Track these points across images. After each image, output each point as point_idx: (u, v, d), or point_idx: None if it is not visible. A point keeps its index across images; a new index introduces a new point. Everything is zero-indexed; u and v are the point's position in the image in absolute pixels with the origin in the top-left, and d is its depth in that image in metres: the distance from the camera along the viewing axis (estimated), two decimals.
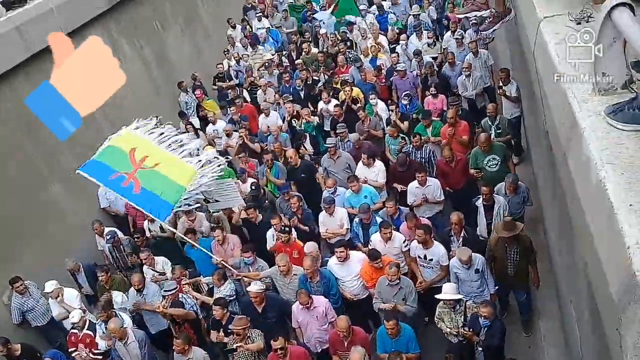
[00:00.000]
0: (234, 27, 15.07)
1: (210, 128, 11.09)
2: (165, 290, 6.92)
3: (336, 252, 6.66)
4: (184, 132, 7.41)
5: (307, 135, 10.19)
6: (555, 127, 3.47)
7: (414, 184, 7.71)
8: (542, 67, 3.78)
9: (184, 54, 14.22)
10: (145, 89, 12.47)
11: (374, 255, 6.46)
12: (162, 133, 6.02)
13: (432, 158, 8.49)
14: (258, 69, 13.04)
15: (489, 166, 7.69)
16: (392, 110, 9.71)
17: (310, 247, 6.98)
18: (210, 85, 13.64)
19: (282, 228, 7.23)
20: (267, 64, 12.81)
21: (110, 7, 11.41)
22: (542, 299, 6.89)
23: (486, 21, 5.49)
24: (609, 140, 2.51)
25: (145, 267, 7.75)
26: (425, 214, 7.54)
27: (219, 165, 6.54)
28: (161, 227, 8.25)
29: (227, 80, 13.37)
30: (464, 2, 12.28)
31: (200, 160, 6.22)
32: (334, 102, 10.34)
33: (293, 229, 7.61)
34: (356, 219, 7.42)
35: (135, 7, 12.62)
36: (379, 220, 7.27)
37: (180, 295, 6.96)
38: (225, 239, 7.68)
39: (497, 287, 6.46)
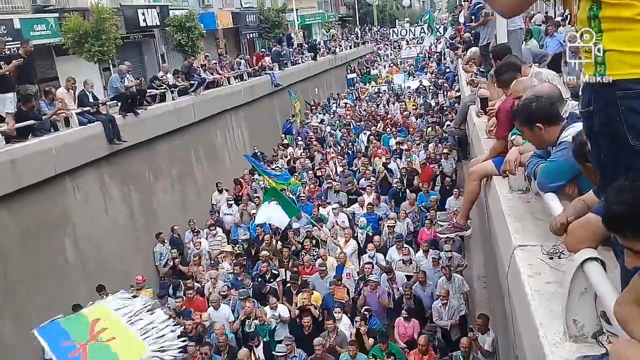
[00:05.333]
0: (220, 192, 15.41)
1: None
2: None
3: None
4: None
5: (260, 339, 9.18)
6: None
7: None
8: (515, 297, 3.79)
9: (170, 206, 14.47)
10: (126, 233, 12.47)
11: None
12: (132, 310, 5.78)
13: None
14: (215, 257, 12.23)
15: None
16: (360, 325, 8.92)
17: None
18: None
19: None
20: (216, 259, 12.10)
21: (108, 153, 11.85)
22: None
23: (445, 225, 5.76)
24: None
25: None
26: None
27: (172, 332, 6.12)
28: None
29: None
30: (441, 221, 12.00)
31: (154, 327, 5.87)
32: (282, 307, 9.69)
33: None
34: None
35: (130, 156, 13.11)
36: None
37: None
38: None
39: None
